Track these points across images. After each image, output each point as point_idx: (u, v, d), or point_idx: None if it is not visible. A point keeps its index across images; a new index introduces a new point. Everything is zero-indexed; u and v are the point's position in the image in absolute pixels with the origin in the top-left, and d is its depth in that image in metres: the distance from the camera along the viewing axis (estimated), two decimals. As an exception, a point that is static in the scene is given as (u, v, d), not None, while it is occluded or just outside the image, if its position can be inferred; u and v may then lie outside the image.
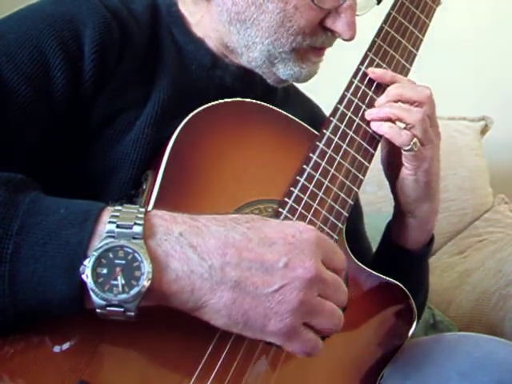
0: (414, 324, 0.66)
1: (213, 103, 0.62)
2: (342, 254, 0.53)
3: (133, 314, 0.46)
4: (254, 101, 0.65)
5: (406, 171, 0.69)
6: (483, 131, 1.43)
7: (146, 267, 0.45)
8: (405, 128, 0.66)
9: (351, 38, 0.66)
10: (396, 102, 0.67)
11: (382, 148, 0.73)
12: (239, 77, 0.72)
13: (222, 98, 0.66)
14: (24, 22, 0.60)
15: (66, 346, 0.48)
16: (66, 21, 0.60)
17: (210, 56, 0.70)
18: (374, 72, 0.69)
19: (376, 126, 0.67)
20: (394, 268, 0.73)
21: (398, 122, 0.67)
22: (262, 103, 0.66)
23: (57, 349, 0.48)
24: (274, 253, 0.48)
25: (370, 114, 0.68)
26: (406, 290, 0.67)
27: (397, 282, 0.67)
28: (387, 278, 0.67)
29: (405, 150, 0.67)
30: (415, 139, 0.65)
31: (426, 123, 0.66)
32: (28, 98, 0.57)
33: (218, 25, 0.68)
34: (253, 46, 0.67)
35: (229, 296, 0.47)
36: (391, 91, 0.68)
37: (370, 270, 0.66)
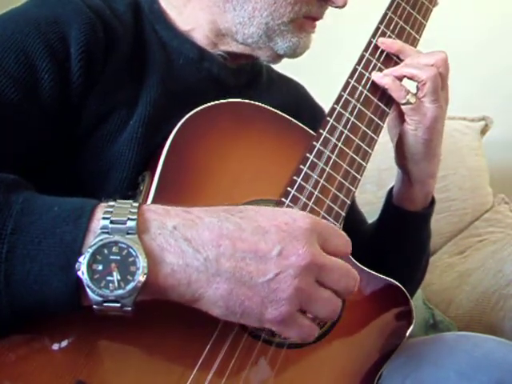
0: (413, 324, 0.66)
1: (209, 104, 0.63)
2: (345, 236, 0.54)
3: (130, 309, 0.46)
4: (251, 101, 0.66)
5: (407, 126, 0.72)
6: (483, 131, 1.42)
7: (141, 262, 0.45)
8: (417, 85, 0.69)
9: (344, 5, 0.69)
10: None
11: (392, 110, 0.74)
12: (225, 66, 0.73)
13: (211, 89, 0.67)
14: (8, 25, 0.60)
15: (64, 343, 0.48)
16: (51, 23, 0.60)
17: (196, 49, 0.71)
18: (384, 42, 0.72)
19: (378, 78, 0.70)
20: (394, 229, 0.77)
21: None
22: (259, 104, 0.66)
23: (55, 347, 0.48)
24: (267, 241, 0.48)
25: (385, 73, 0.70)
26: (405, 291, 0.67)
27: (396, 282, 0.67)
28: (386, 278, 0.67)
29: (401, 104, 0.70)
30: (410, 94, 0.69)
31: (437, 81, 0.68)
32: (17, 102, 0.57)
33: (210, 8, 0.70)
34: (249, 21, 0.68)
35: (225, 287, 0.47)
36: (408, 61, 0.71)
37: (368, 269, 0.66)
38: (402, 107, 0.70)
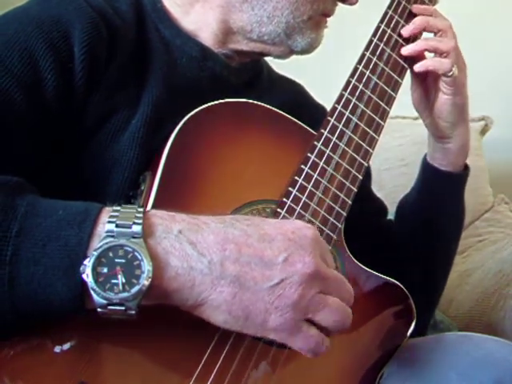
0: (413, 323, 0.67)
1: (210, 104, 0.63)
2: (331, 256, 0.54)
3: (134, 312, 0.46)
4: (252, 101, 0.66)
5: (445, 97, 0.74)
6: (483, 131, 1.42)
7: (146, 266, 0.45)
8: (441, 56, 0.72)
9: (356, 2, 0.73)
10: (422, 29, 0.74)
11: (413, 89, 0.78)
12: (228, 65, 0.73)
13: (213, 88, 0.67)
14: (11, 24, 0.60)
15: (66, 346, 0.48)
16: (54, 22, 0.60)
17: (199, 48, 0.71)
18: (417, 6, 0.75)
19: (419, 66, 0.73)
20: (441, 195, 0.79)
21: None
22: (260, 103, 0.66)
23: (57, 349, 0.48)
24: (273, 248, 0.48)
25: (407, 49, 0.73)
26: (406, 290, 0.67)
27: (396, 282, 0.67)
28: (387, 278, 0.67)
29: (446, 77, 0.72)
30: (455, 65, 0.71)
31: (458, 49, 0.73)
32: (20, 101, 0.56)
33: (223, 8, 0.70)
34: (268, 20, 0.70)
35: (229, 291, 0.47)
36: (417, 20, 0.73)
37: (369, 270, 0.67)
38: (443, 79, 0.72)
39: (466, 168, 0.81)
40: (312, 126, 0.69)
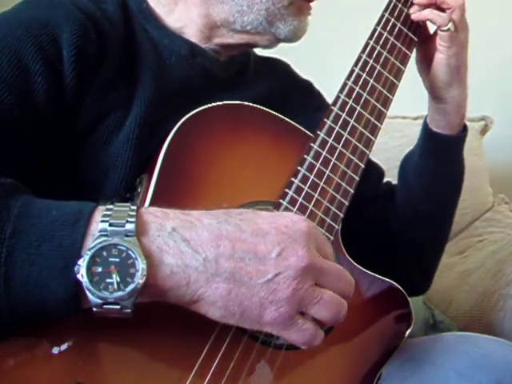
0: (412, 323, 0.67)
1: (206, 106, 0.63)
2: (330, 247, 0.54)
3: (129, 310, 0.46)
4: (248, 104, 0.66)
5: (440, 55, 0.74)
6: (483, 131, 1.42)
7: (141, 264, 0.45)
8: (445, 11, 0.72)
9: None
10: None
11: (418, 51, 0.78)
12: (217, 60, 0.74)
13: (204, 85, 0.68)
14: (0, 28, 0.60)
15: (63, 346, 0.48)
16: (42, 26, 0.60)
17: (188, 45, 0.72)
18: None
19: (416, 15, 0.74)
20: (440, 157, 0.80)
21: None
22: (256, 106, 0.66)
23: (55, 350, 0.48)
24: (267, 243, 0.48)
25: (418, 3, 0.74)
26: (403, 291, 0.67)
27: (394, 283, 0.67)
28: (384, 279, 0.67)
29: (442, 30, 0.72)
30: (452, 22, 0.72)
31: (463, 9, 0.73)
32: (11, 106, 0.57)
33: (205, 2, 0.71)
34: (248, 8, 0.70)
35: (224, 287, 0.47)
36: None
37: (366, 270, 0.67)
38: (440, 34, 0.73)
39: (465, 129, 0.82)
40: (302, 102, 0.70)
